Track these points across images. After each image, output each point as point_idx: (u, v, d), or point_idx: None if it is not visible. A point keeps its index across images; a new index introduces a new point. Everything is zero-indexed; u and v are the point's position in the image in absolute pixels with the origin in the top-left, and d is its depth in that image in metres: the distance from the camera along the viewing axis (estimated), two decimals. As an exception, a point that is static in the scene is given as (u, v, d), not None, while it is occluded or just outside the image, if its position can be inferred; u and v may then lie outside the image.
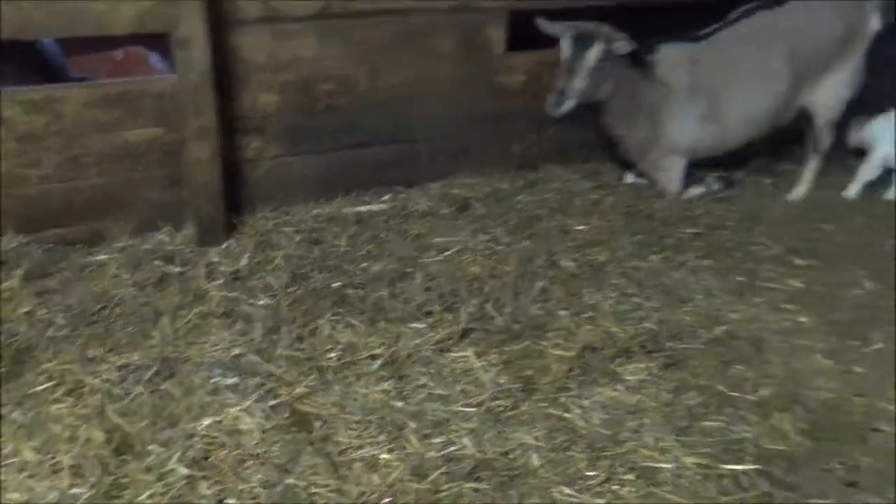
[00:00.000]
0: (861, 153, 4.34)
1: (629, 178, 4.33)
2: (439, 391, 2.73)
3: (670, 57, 3.95)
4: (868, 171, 4.27)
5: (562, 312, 3.19)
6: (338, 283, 3.28)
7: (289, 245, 3.51)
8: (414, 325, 3.06)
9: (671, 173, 4.12)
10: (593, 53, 3.63)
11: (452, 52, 4.00)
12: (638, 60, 3.89)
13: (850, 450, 2.63)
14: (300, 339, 2.93)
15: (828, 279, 3.54)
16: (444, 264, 3.47)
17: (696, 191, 4.22)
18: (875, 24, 4.09)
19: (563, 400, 2.75)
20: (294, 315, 3.04)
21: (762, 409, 2.75)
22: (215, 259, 3.36)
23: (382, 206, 3.93)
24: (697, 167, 4.30)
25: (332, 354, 2.86)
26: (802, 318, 3.27)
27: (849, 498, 2.46)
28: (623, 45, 3.64)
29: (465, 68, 4.05)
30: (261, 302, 3.12)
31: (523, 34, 3.98)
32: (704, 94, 4.00)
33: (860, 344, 3.13)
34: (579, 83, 3.65)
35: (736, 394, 2.82)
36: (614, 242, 3.70)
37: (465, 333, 3.02)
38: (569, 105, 3.70)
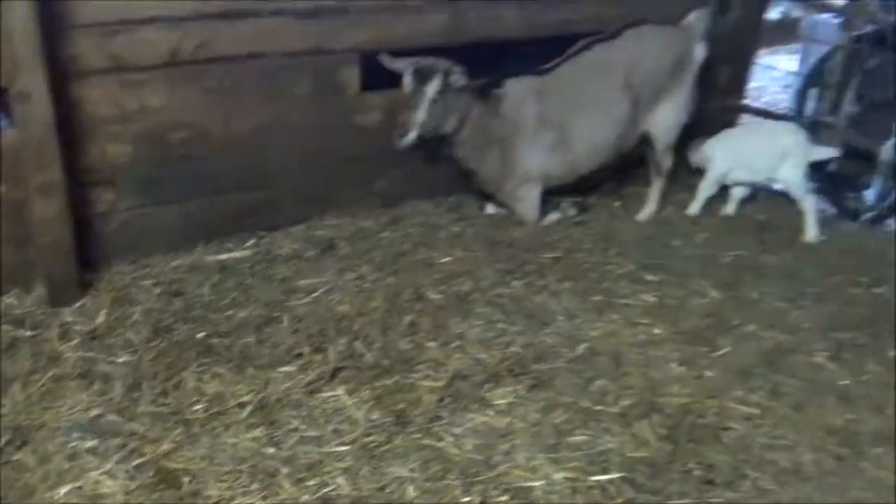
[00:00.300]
0: (701, 172, 4.66)
1: (489, 208, 4.46)
2: (311, 433, 2.72)
3: (516, 91, 4.12)
4: (706, 188, 4.58)
5: (430, 344, 3.25)
6: (202, 334, 3.22)
7: (148, 299, 3.41)
8: (283, 368, 3.04)
9: (528, 202, 4.28)
10: (432, 87, 3.74)
11: (308, 95, 4.02)
12: (485, 95, 4.04)
13: (705, 450, 2.80)
14: (164, 393, 2.85)
15: (677, 292, 3.76)
16: (311, 306, 3.47)
17: (552, 217, 4.39)
18: (700, 53, 4.43)
19: (435, 429, 2.79)
20: (156, 370, 2.96)
21: (624, 420, 2.89)
22: (69, 319, 3.23)
23: (246, 253, 3.88)
24: (553, 194, 4.49)
25: (199, 406, 2.80)
26: (656, 330, 3.46)
27: (707, 496, 2.62)
28: (459, 78, 3.77)
29: (322, 110, 4.08)
30: (120, 359, 3.02)
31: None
32: (552, 125, 4.20)
33: (709, 350, 3.34)
34: (420, 116, 3.75)
35: (599, 407, 2.95)
36: (478, 272, 3.79)
37: (335, 373, 3.03)
38: (412, 138, 3.77)
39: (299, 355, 3.12)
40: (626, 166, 4.77)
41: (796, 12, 10.94)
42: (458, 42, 4.26)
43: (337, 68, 4.06)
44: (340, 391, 2.92)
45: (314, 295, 3.54)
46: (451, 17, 4.25)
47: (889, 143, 4.54)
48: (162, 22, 3.54)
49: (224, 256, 3.82)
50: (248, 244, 3.94)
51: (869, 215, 4.85)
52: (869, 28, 4.72)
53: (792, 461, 2.78)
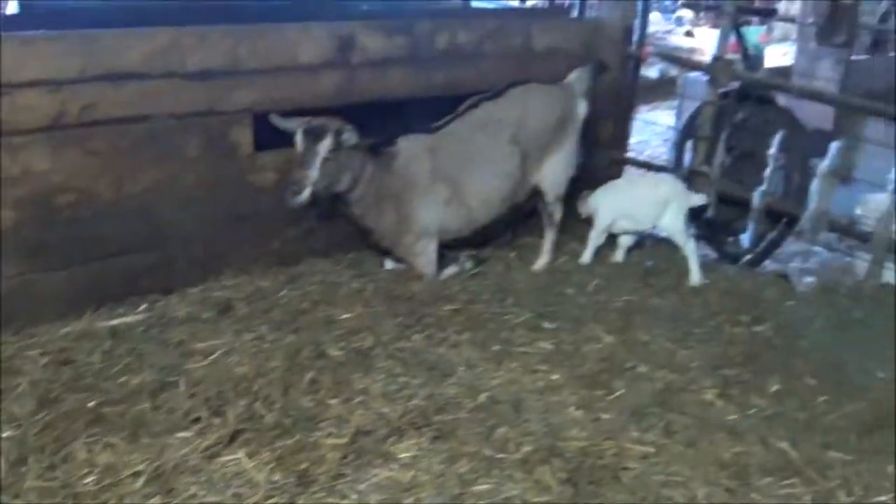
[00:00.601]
0: (591, 222, 4.85)
1: (388, 264, 4.50)
2: (211, 498, 2.65)
3: (409, 148, 4.23)
4: (595, 238, 4.77)
5: (332, 401, 3.23)
6: (93, 403, 3.10)
7: (35, 369, 3.28)
8: (180, 434, 2.96)
9: (425, 256, 4.35)
10: (324, 146, 3.78)
11: (199, 155, 4.01)
12: (379, 153, 4.12)
13: (605, 490, 2.87)
14: (52, 467, 2.73)
15: (573, 338, 3.87)
16: (209, 368, 3.40)
17: (450, 270, 4.47)
18: (583, 110, 4.67)
19: (339, 487, 2.77)
20: (43, 443, 2.83)
21: (526, 466, 2.93)
22: (-52, 394, 3.05)
23: (139, 317, 3.79)
24: (450, 248, 4.58)
25: (90, 479, 2.68)
26: (554, 376, 3.54)
27: (607, 535, 2.68)
28: (351, 136, 3.83)
29: (214, 170, 4.07)
30: (4, 434, 2.87)
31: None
32: (445, 181, 4.31)
33: (605, 392, 3.44)
34: (313, 175, 3.78)
35: (501, 455, 2.99)
36: (378, 327, 3.81)
37: (234, 435, 2.96)
38: (305, 196, 3.79)
39: (197, 420, 3.05)
40: (520, 218, 4.92)
41: (672, 71, 11.67)
42: (350, 102, 4.36)
43: (229, 128, 4.08)
44: (240, 454, 2.86)
45: (211, 357, 3.47)
46: (343, 77, 4.34)
47: (759, 191, 4.85)
48: (44, 85, 3.48)
49: (116, 322, 3.71)
50: (140, 308, 3.85)
51: (747, 258, 5.15)
52: (734, 84, 5.08)
53: (687, 496, 2.87)
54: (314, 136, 3.78)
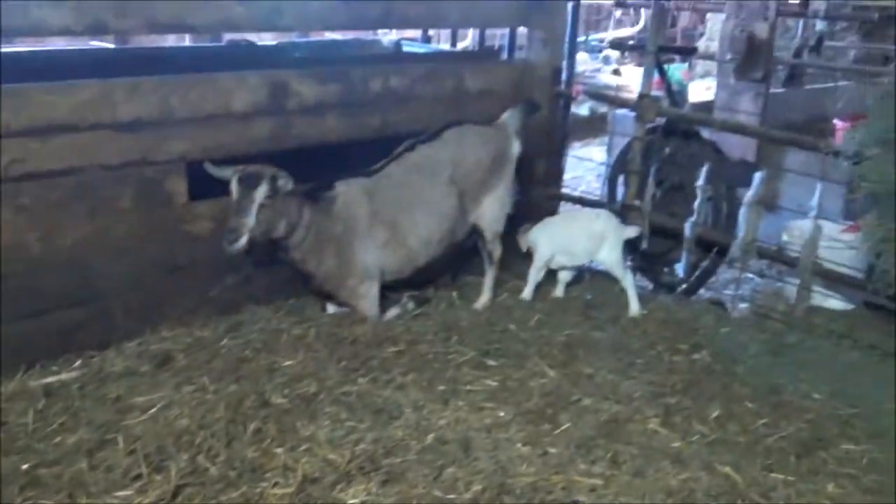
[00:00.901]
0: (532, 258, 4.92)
1: (330, 308, 4.48)
2: (155, 559, 2.56)
3: (347, 192, 4.24)
4: (535, 274, 4.84)
5: (278, 450, 3.18)
6: (27, 465, 2.98)
7: (-37, 433, 3.14)
8: (120, 493, 2.87)
9: (368, 299, 4.35)
10: (260, 192, 3.76)
11: (133, 206, 3.95)
12: (316, 198, 4.12)
13: (556, 525, 2.88)
14: (-15, 536, 2.61)
15: (518, 374, 3.89)
16: (148, 424, 3.31)
17: (393, 312, 4.47)
18: (516, 149, 4.76)
19: (288, 538, 2.71)
20: (-25, 510, 2.71)
21: (476, 505, 2.93)
22: None
23: (73, 374, 3.67)
24: (392, 290, 4.58)
25: (26, 545, 2.57)
26: (501, 413, 3.55)
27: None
28: (286, 182, 3.82)
29: (149, 221, 4.01)
30: (-69, 504, 2.74)
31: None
32: (384, 223, 4.34)
33: (551, 427, 3.46)
34: (250, 221, 3.76)
35: (451, 495, 2.97)
36: (323, 372, 3.78)
37: (177, 491, 2.89)
38: (243, 243, 3.75)
39: (137, 477, 2.96)
40: (460, 258, 4.97)
41: (602, 109, 11.98)
42: (285, 147, 4.36)
43: (162, 178, 4.03)
44: (184, 510, 2.79)
45: (151, 412, 3.39)
46: (277, 123, 4.35)
47: (689, 222, 5.00)
48: (-31, 140, 3.40)
49: (50, 380, 3.59)
50: (75, 365, 3.74)
51: (682, 288, 5.28)
52: (660, 120, 5.25)
53: (636, 526, 2.91)
54: (249, 183, 3.76)
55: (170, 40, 9.71)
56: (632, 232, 4.82)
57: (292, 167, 3.92)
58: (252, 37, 6.09)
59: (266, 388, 3.60)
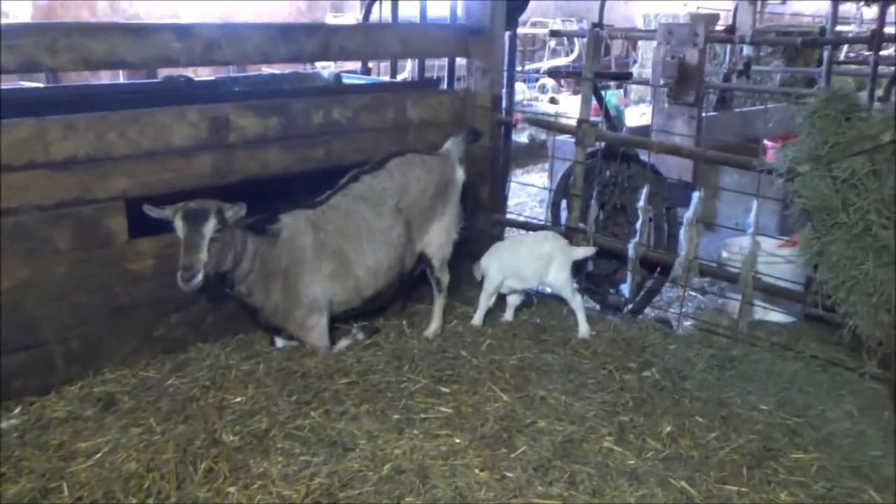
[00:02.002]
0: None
1: (279, 342, 4.42)
2: None
3: (291, 224, 4.22)
4: (485, 299, 4.86)
5: (231, 489, 3.12)
6: (-35, 520, 2.87)
7: None
8: (66, 543, 2.76)
9: (317, 331, 4.31)
10: (209, 227, 3.72)
11: (71, 247, 3.86)
12: (261, 230, 4.09)
13: (517, 549, 2.87)
14: None
15: (472, 400, 3.89)
16: (94, 469, 3.22)
17: (343, 343, 4.44)
18: (460, 176, 4.81)
19: (245, 579, 2.64)
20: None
21: (437, 533, 2.90)
22: None
23: (13, 422, 3.57)
24: (341, 321, 4.55)
25: None
26: (457, 440, 3.54)
27: None
28: (233, 214, 3.78)
29: (88, 261, 3.93)
30: None
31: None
32: (331, 253, 4.32)
33: (508, 451, 3.46)
34: (204, 256, 3.70)
35: (411, 525, 2.95)
36: (274, 407, 3.72)
37: (127, 537, 2.80)
38: (199, 279, 3.70)
39: (84, 525, 2.86)
40: (409, 286, 4.96)
41: (542, 135, 12.20)
42: (227, 181, 4.33)
43: (101, 217, 3.96)
44: (135, 556, 2.70)
45: (96, 457, 3.30)
46: (219, 157, 4.32)
47: (632, 242, 5.09)
48: None
49: (-13, 429, 3.46)
50: (14, 412, 3.63)
51: (628, 308, 5.36)
52: (599, 145, 5.36)
53: (596, 545, 2.91)
54: (196, 218, 3.71)
55: (104, 78, 9.57)
56: (582, 252, 4.87)
57: (236, 201, 3.88)
58: (189, 72, 6.04)
59: (216, 427, 3.54)
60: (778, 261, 5.07)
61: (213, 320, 4.44)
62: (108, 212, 3.98)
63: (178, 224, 3.72)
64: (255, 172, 4.49)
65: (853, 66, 12.76)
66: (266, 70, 6.64)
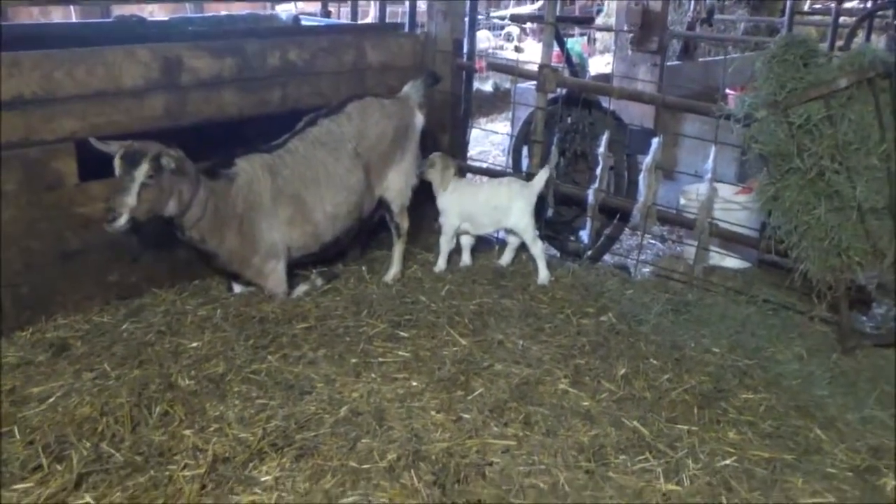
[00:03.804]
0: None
1: (237, 288, 4.38)
2: (58, 549, 2.47)
3: (248, 169, 4.14)
4: (445, 243, 4.83)
5: (186, 432, 3.11)
6: (-86, 464, 2.82)
7: None
8: (19, 486, 2.76)
9: (274, 276, 4.27)
10: (141, 171, 3.62)
11: (19, 189, 3.76)
12: (215, 175, 4.01)
13: (472, 487, 2.92)
14: None
15: (430, 344, 3.91)
16: (47, 413, 3.19)
17: (302, 288, 4.41)
18: (420, 121, 4.75)
19: (199, 519, 2.65)
20: None
21: (392, 473, 2.93)
22: None
23: (-38, 367, 3.49)
24: (299, 266, 4.52)
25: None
26: (414, 383, 3.56)
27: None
28: (171, 160, 3.68)
29: (37, 205, 3.83)
30: None
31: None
32: (288, 198, 4.26)
33: (464, 393, 3.49)
34: (130, 200, 3.61)
35: (367, 465, 2.98)
36: (231, 352, 3.71)
37: (80, 480, 2.79)
38: (122, 222, 3.60)
39: (37, 468, 2.85)
40: (368, 232, 4.93)
41: (507, 84, 12.13)
42: (181, 124, 4.23)
43: (50, 159, 3.85)
44: (88, 498, 2.69)
45: (49, 401, 3.26)
46: (172, 99, 4.21)
47: (592, 189, 5.10)
48: None
49: (-65, 375, 3.40)
50: (-36, 358, 3.55)
51: (588, 254, 5.39)
52: (561, 91, 5.32)
53: (549, 483, 2.96)
54: (131, 161, 3.62)
55: (56, 18, 9.26)
56: (540, 180, 4.81)
57: (192, 144, 3.80)
58: (143, 13, 5.85)
59: (172, 371, 3.51)
60: (734, 207, 5.13)
61: (168, 266, 4.38)
62: (56, 154, 3.87)
63: (116, 163, 3.63)
64: (209, 115, 4.39)
65: (816, 17, 12.82)
66: (223, 12, 6.47)
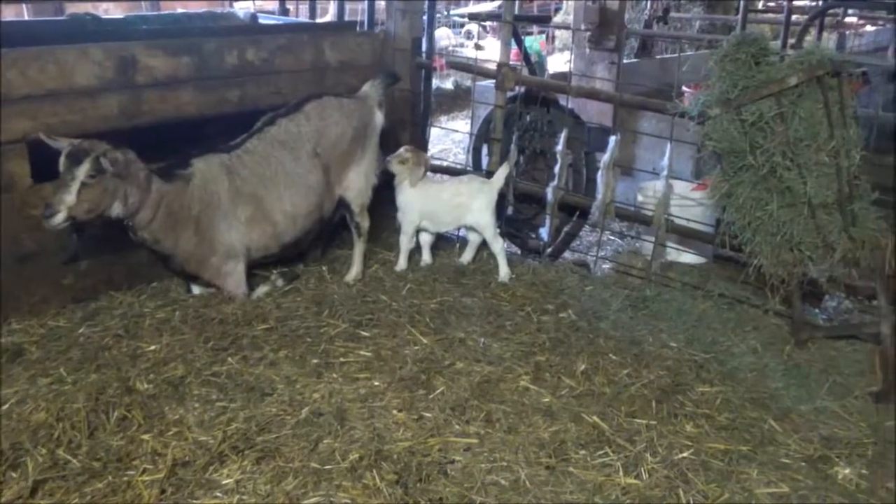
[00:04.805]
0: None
1: (196, 289, 4.33)
2: (13, 558, 2.42)
3: (204, 169, 4.09)
4: (405, 241, 4.83)
5: (145, 436, 3.07)
6: None
7: None
8: (-29, 495, 2.69)
9: (233, 277, 4.24)
10: (82, 170, 3.57)
11: (-30, 192, 3.68)
12: (170, 176, 3.96)
13: (434, 485, 2.92)
14: None
15: (391, 343, 3.90)
16: (1, 420, 3.11)
17: (262, 289, 4.38)
18: (379, 120, 4.74)
19: (159, 524, 2.62)
20: None
21: (354, 473, 2.93)
22: None
23: (-88, 375, 3.40)
24: (259, 267, 4.49)
25: None
26: (376, 382, 3.56)
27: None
28: (107, 162, 3.60)
29: (-10, 207, 3.75)
30: None
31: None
32: (247, 199, 4.23)
33: (426, 392, 3.50)
34: (69, 198, 3.56)
35: (329, 466, 2.97)
36: (189, 355, 3.66)
37: (36, 487, 2.74)
38: (59, 219, 3.55)
39: (-9, 477, 2.78)
40: (329, 232, 4.91)
41: (467, 82, 12.12)
42: (136, 124, 4.17)
43: (2, 161, 3.77)
44: (45, 505, 2.64)
45: (3, 408, 3.20)
46: (127, 99, 4.14)
47: (551, 186, 5.13)
48: None
49: None
50: (-87, 365, 3.46)
51: (548, 252, 5.43)
52: (519, 89, 5.35)
53: (510, 479, 2.99)
54: (74, 159, 3.56)
55: (7, 16, 9.05)
56: (500, 176, 4.83)
57: (149, 145, 3.74)
58: (98, 12, 5.76)
59: (130, 375, 3.47)
60: (690, 203, 5.21)
61: (126, 268, 4.31)
62: (9, 155, 3.79)
63: (61, 160, 3.58)
64: (166, 115, 4.33)
65: (770, 15, 13.05)
66: (179, 10, 6.38)
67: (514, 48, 5.79)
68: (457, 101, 11.87)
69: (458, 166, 6.17)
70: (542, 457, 3.12)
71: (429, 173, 4.90)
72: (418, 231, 4.89)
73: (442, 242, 5.17)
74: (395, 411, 3.35)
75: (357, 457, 3.01)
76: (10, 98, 3.74)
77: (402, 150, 4.79)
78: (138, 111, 4.20)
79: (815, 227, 4.03)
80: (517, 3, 5.64)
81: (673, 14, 10.56)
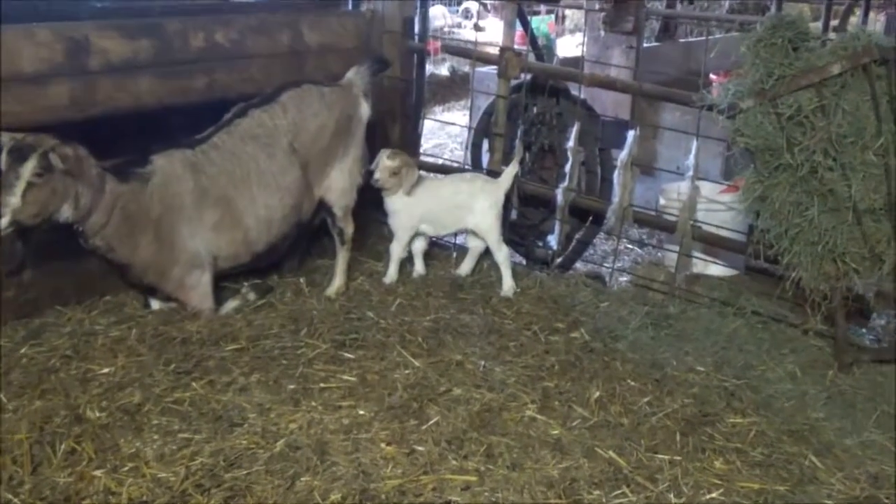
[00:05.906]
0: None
1: (155, 304, 4.34)
2: None
3: (166, 167, 4.11)
4: (397, 249, 4.84)
5: (97, 472, 3.08)
6: None
7: None
8: None
9: (198, 290, 4.25)
10: (27, 168, 3.57)
11: None
12: (127, 175, 3.97)
13: (427, 530, 2.93)
14: None
15: (378, 366, 3.92)
16: (-69, 454, 3.12)
17: (231, 305, 4.39)
18: (366, 111, 4.75)
19: (112, 574, 2.62)
20: None
21: (333, 515, 2.94)
22: None
23: None
24: (228, 279, 4.49)
25: None
26: (361, 411, 3.56)
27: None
28: (58, 159, 3.61)
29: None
30: None
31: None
32: (214, 201, 4.24)
33: (418, 423, 3.50)
34: (14, 200, 3.56)
35: (307, 507, 2.97)
36: (148, 379, 3.67)
37: (-28, 531, 2.74)
38: (3, 224, 3.55)
39: (-81, 519, 2.78)
40: (308, 239, 4.92)
41: (465, 68, 12.17)
42: (90, 114, 4.17)
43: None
44: (-19, 552, 2.64)
45: (-66, 440, 3.20)
46: (78, 87, 4.15)
47: (561, 187, 5.15)
48: None
49: None
50: None
51: (557, 262, 5.45)
52: (525, 77, 5.37)
53: (515, 523, 2.99)
54: (18, 156, 3.57)
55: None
56: (507, 176, 4.86)
57: (105, 138, 3.75)
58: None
59: (79, 402, 3.48)
60: (719, 208, 5.23)
61: (75, 279, 4.32)
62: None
63: (3, 157, 3.58)
64: (123, 105, 4.34)
65: (809, -6, 13.11)
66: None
67: (519, 30, 5.82)
68: (453, 88, 11.93)
69: (456, 164, 6.20)
70: (550, 497, 3.12)
71: (421, 172, 4.92)
72: (412, 237, 4.90)
73: (437, 251, 5.19)
74: (382, 444, 3.35)
75: (340, 496, 3.01)
76: (-57, 85, 3.75)
77: (384, 159, 4.67)
78: (92, 100, 4.20)
79: (862, 235, 4.05)
80: (522, -22, 5.68)
81: (699, -8, 10.63)
